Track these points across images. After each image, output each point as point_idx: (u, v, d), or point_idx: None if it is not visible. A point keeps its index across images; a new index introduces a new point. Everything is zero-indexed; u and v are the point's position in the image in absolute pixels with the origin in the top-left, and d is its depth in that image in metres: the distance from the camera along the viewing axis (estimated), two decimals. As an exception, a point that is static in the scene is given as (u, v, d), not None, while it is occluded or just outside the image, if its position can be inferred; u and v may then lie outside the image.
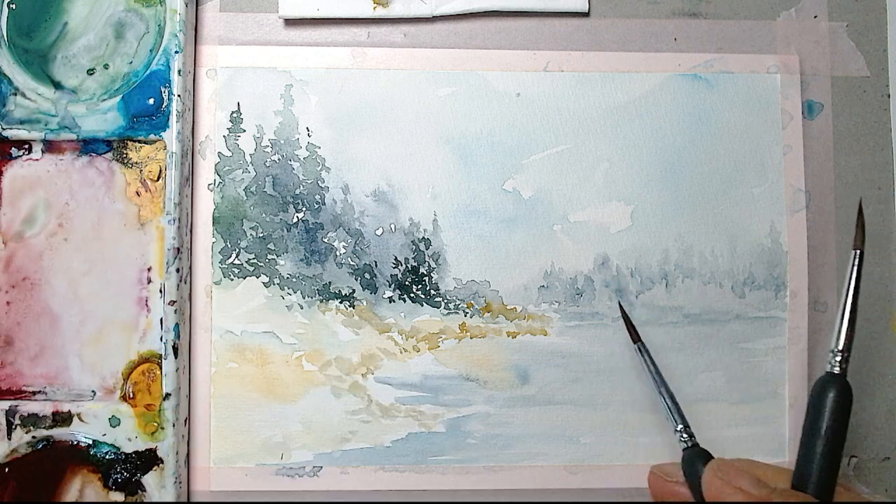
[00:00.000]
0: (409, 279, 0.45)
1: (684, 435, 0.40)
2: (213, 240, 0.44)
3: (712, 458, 0.38)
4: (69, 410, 0.41)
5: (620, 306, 0.44)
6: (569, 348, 0.44)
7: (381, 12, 0.45)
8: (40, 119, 0.42)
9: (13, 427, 0.41)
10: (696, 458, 0.39)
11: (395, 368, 0.44)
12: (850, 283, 0.37)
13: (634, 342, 0.43)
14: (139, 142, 0.43)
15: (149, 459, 0.41)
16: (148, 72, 0.42)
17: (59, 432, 0.41)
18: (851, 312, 0.36)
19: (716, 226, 0.45)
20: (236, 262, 0.44)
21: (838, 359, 0.36)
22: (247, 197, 0.44)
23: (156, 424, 0.41)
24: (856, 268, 0.37)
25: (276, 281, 0.44)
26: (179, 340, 0.42)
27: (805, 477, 0.35)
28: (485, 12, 0.45)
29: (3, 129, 0.42)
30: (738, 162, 0.45)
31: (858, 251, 0.38)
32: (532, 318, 0.45)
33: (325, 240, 0.44)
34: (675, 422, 0.40)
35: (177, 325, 0.42)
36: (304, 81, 0.45)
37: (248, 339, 0.44)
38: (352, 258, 0.44)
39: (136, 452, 0.41)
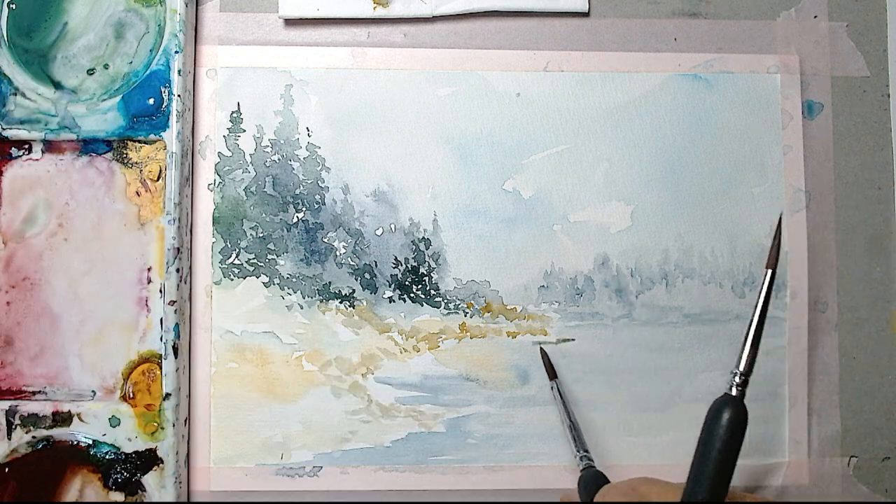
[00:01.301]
0: (409, 279, 0.45)
1: (583, 459, 0.41)
2: (213, 240, 0.44)
3: (606, 479, 0.39)
4: (69, 410, 0.41)
5: (542, 349, 0.44)
6: (569, 348, 0.44)
7: (381, 12, 0.45)
8: (40, 119, 0.42)
9: (13, 427, 0.41)
10: (589, 479, 0.39)
11: (395, 368, 0.44)
12: (757, 305, 0.35)
13: (551, 379, 0.43)
14: (139, 142, 0.43)
15: (149, 459, 0.41)
16: (148, 72, 0.42)
17: (59, 432, 0.41)
18: (756, 335, 0.35)
19: (716, 226, 0.45)
20: (236, 262, 0.44)
21: (738, 381, 0.34)
22: (247, 197, 0.44)
23: (156, 424, 0.41)
24: (766, 289, 0.35)
25: (276, 281, 0.44)
26: (179, 340, 0.42)
27: (693, 495, 0.34)
28: (485, 12, 0.45)
29: (3, 129, 0.42)
30: (738, 162, 0.45)
31: (771, 271, 0.35)
32: (532, 318, 0.45)
33: (325, 240, 0.44)
34: (577, 449, 0.41)
35: (177, 325, 0.42)
36: (304, 81, 0.45)
37: (248, 339, 0.44)
38: (352, 258, 0.44)
39: (136, 452, 0.41)
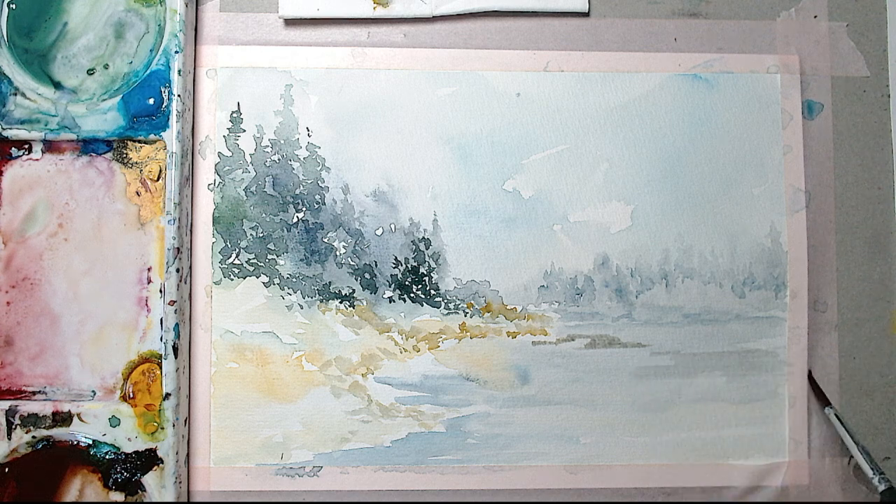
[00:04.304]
0: (409, 279, 0.45)
1: (881, 481, 0.41)
2: (213, 240, 0.44)
3: None
4: (69, 410, 0.41)
5: (810, 374, 0.44)
6: (569, 348, 0.44)
7: (381, 12, 0.45)
8: (40, 119, 0.42)
9: (13, 427, 0.41)
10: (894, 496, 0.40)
11: (395, 368, 0.44)
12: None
13: (823, 408, 0.44)
14: (139, 142, 0.43)
15: (149, 459, 0.41)
16: (148, 72, 0.42)
17: (59, 432, 0.41)
18: None
19: (716, 226, 0.45)
20: (236, 262, 0.44)
21: None
22: (247, 197, 0.44)
23: (156, 424, 0.41)
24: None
25: (276, 281, 0.44)
26: (179, 340, 0.42)
27: None
28: (485, 12, 0.45)
29: (3, 129, 0.42)
30: (738, 162, 0.45)
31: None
32: (532, 318, 0.45)
33: (325, 240, 0.44)
34: (872, 472, 0.41)
35: (177, 325, 0.42)
36: (304, 81, 0.45)
37: (248, 339, 0.44)
38: (352, 258, 0.44)
39: (136, 452, 0.41)
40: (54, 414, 0.41)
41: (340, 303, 0.44)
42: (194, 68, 0.44)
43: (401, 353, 0.44)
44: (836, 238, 0.45)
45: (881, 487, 0.41)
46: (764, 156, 0.45)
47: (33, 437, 0.41)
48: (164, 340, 0.42)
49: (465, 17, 0.45)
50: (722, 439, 0.44)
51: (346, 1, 0.45)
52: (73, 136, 0.42)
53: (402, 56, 0.45)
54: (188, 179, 0.43)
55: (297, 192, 0.45)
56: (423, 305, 0.44)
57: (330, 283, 0.44)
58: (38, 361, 0.42)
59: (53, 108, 0.42)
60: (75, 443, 0.41)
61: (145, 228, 0.43)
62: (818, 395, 0.44)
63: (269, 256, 0.44)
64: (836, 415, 0.43)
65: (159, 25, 0.43)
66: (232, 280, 0.44)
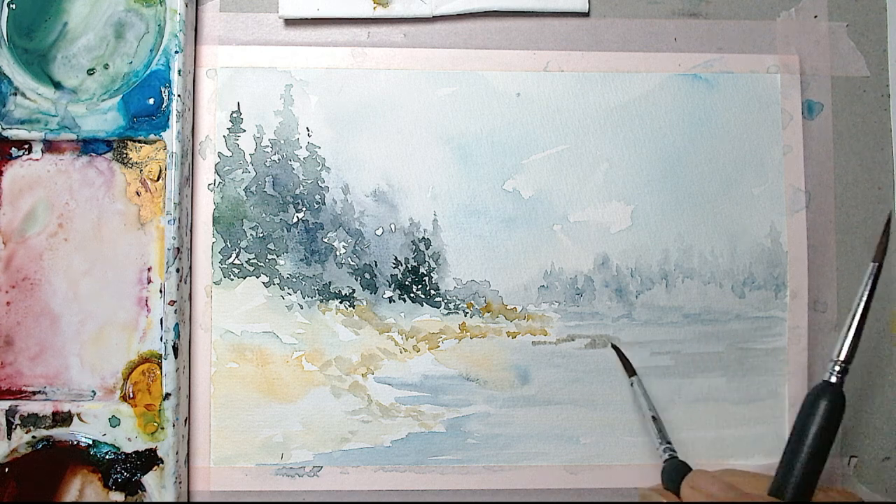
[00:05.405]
0: (409, 279, 0.45)
1: (666, 450, 0.41)
2: (213, 240, 0.44)
3: (689, 468, 0.39)
4: (69, 410, 0.41)
5: (614, 346, 0.44)
6: (569, 348, 0.44)
7: (381, 12, 0.45)
8: (40, 119, 0.42)
9: (13, 427, 0.41)
10: (673, 469, 0.40)
11: (395, 368, 0.44)
12: (862, 296, 0.36)
13: (630, 377, 0.44)
14: (139, 142, 0.43)
15: (149, 459, 0.41)
16: (148, 72, 0.42)
17: (59, 432, 0.41)
18: (859, 325, 0.35)
19: (716, 226, 0.45)
20: (236, 262, 0.44)
21: (837, 368, 0.35)
22: (247, 197, 0.44)
23: (156, 424, 0.41)
24: (871, 281, 0.36)
25: (276, 281, 0.44)
26: (179, 340, 0.42)
27: (784, 482, 0.35)
28: (485, 12, 0.45)
29: (3, 129, 0.42)
30: (738, 162, 0.45)
31: (877, 264, 0.36)
32: (532, 318, 0.45)
33: (325, 240, 0.44)
34: (660, 441, 0.42)
35: (177, 325, 0.42)
36: (304, 81, 0.45)
37: (248, 339, 0.44)
38: (352, 258, 0.44)
39: (136, 452, 0.41)
40: (54, 414, 0.41)
41: (340, 303, 0.44)
42: (194, 68, 0.44)
43: (401, 353, 0.44)
44: (836, 238, 0.45)
45: (665, 457, 0.41)
46: (764, 156, 0.45)
47: (33, 437, 0.41)
48: (164, 340, 0.42)
49: (465, 17, 0.45)
50: (722, 439, 0.44)
51: (346, 1, 0.45)
52: (73, 136, 0.42)
53: (402, 56, 0.45)
54: (188, 179, 0.43)
55: (297, 192, 0.45)
56: (423, 305, 0.44)
57: (330, 283, 0.44)
58: (38, 361, 0.42)
59: (53, 108, 0.42)
60: (75, 443, 0.41)
61: (145, 228, 0.43)
62: (625, 365, 0.44)
63: (269, 256, 0.44)
64: (638, 384, 0.43)
65: (159, 25, 0.43)
66: (232, 280, 0.44)
